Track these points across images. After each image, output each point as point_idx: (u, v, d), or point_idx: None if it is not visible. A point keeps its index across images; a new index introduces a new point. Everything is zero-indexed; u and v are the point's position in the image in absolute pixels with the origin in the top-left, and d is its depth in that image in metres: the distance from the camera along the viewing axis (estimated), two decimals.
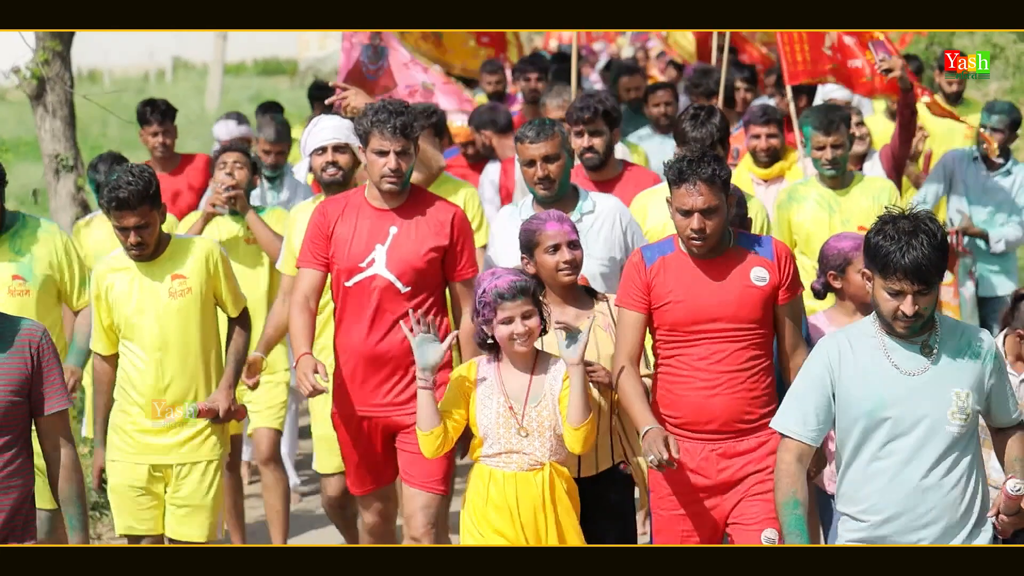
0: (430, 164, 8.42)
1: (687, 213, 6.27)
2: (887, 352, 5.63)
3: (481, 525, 6.41)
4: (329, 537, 9.06)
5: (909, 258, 5.41)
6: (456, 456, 7.07)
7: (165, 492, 7.43)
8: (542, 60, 14.19)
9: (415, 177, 7.75)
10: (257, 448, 8.97)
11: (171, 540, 7.43)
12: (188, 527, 7.40)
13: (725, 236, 6.39)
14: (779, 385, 6.46)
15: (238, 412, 7.51)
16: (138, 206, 7.12)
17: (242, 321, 7.59)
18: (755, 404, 6.36)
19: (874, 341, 5.65)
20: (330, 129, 8.29)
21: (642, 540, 7.92)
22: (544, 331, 6.43)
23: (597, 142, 8.36)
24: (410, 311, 6.73)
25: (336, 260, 7.19)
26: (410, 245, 7.09)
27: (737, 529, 6.40)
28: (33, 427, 5.93)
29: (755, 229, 7.69)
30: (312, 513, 9.86)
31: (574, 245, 6.71)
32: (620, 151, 9.38)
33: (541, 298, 6.49)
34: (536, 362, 6.44)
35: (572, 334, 6.31)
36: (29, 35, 11.08)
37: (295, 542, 9.22)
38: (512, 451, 6.37)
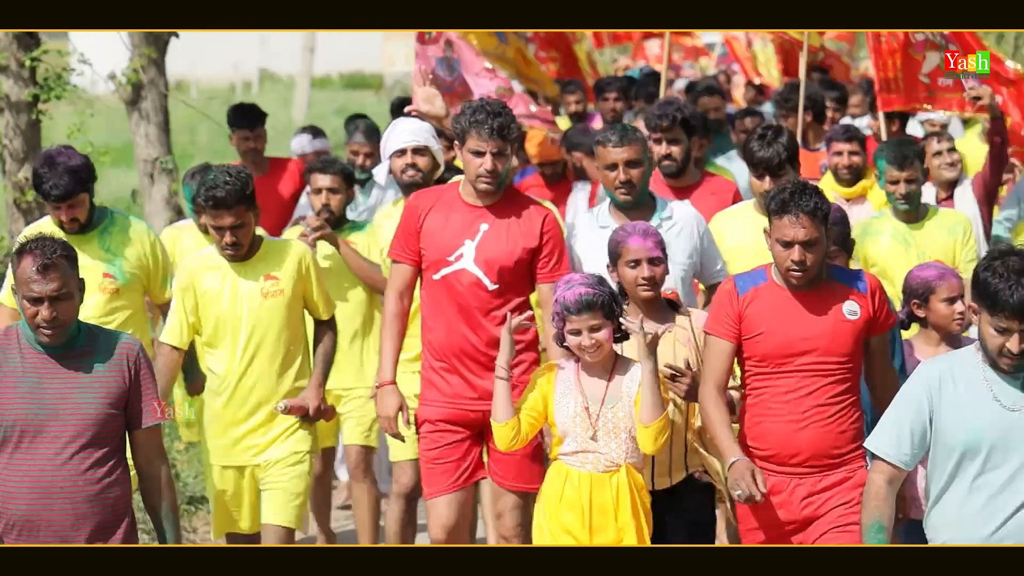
0: None
1: (788, 244, 6.24)
2: (989, 384, 5.60)
3: (552, 523, 6.46)
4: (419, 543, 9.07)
5: (1017, 297, 5.41)
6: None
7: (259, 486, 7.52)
8: (621, 80, 14.23)
9: None
10: (348, 461, 9.02)
11: (263, 525, 7.50)
12: (274, 511, 7.44)
13: (819, 270, 6.36)
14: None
15: (327, 412, 7.58)
16: (235, 205, 7.20)
17: (331, 324, 7.65)
18: (842, 439, 6.32)
19: (976, 372, 5.62)
20: (409, 132, 8.32)
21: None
22: (625, 337, 6.45)
23: (675, 150, 8.38)
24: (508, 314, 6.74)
25: (425, 252, 7.21)
26: (500, 243, 7.10)
27: None
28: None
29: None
30: None
31: (655, 262, 6.70)
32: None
33: (624, 305, 6.51)
34: (615, 365, 6.47)
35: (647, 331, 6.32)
36: (127, 40, 11.26)
37: None
38: (588, 451, 6.41)
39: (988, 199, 9.86)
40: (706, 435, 6.63)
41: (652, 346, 6.29)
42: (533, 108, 10.52)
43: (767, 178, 7.71)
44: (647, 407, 6.29)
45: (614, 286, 6.67)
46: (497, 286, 7.10)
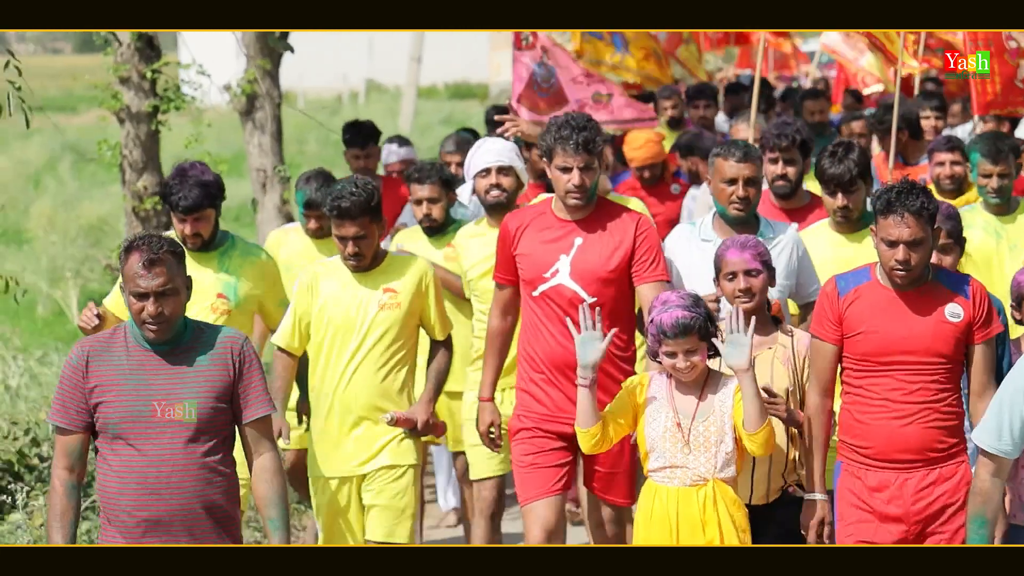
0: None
1: (893, 244, 6.26)
2: None
3: (643, 544, 6.48)
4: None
5: None
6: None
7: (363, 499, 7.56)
8: (711, 88, 14.25)
9: None
10: (456, 467, 9.05)
11: (368, 542, 7.53)
12: (382, 529, 7.50)
13: (924, 270, 6.37)
14: None
15: (436, 427, 7.62)
16: (359, 217, 7.32)
17: (447, 343, 7.70)
18: (947, 433, 6.34)
19: None
20: (494, 152, 8.27)
21: None
22: (718, 353, 6.46)
23: (791, 171, 8.32)
24: (580, 307, 6.71)
25: (521, 270, 7.24)
26: (595, 256, 7.11)
27: None
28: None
29: None
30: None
31: (752, 273, 6.72)
32: None
33: (716, 326, 6.48)
34: (707, 381, 6.49)
35: (734, 340, 6.35)
36: (244, 50, 11.48)
37: None
38: (676, 466, 6.42)
39: None
40: (802, 445, 6.67)
41: (748, 353, 6.31)
42: (631, 113, 10.46)
43: (839, 194, 7.72)
44: (751, 416, 6.30)
45: (718, 294, 6.74)
46: (596, 299, 7.06)
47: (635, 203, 8.82)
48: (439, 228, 8.79)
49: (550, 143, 7.12)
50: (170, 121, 11.05)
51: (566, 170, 7.09)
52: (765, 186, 8.27)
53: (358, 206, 7.32)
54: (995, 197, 8.64)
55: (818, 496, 6.50)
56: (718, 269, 6.83)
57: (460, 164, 9.99)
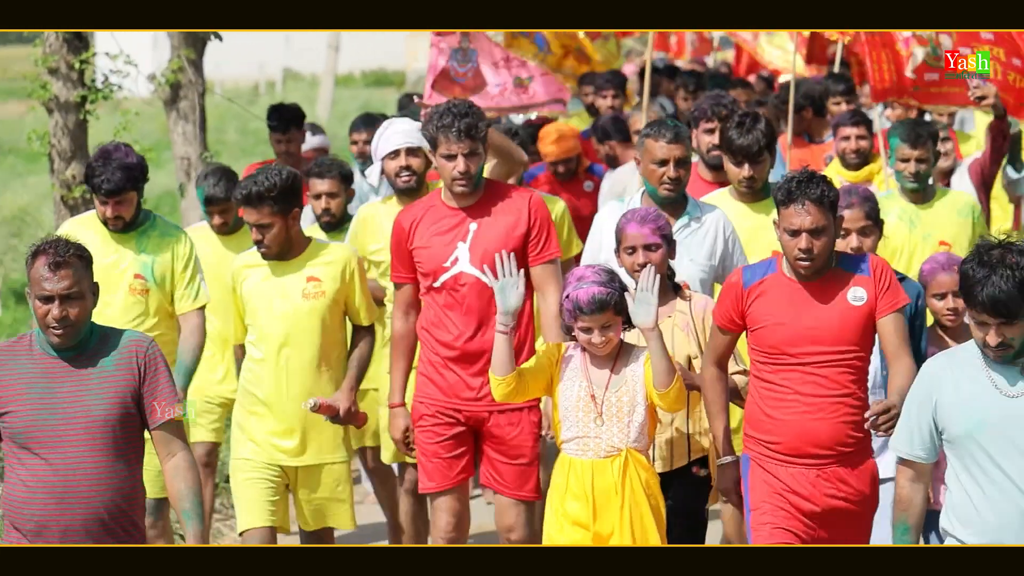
0: (511, 155, 8.22)
1: (795, 233, 6.28)
2: (988, 372, 5.62)
3: (559, 518, 6.56)
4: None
5: (986, 293, 5.46)
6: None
7: (288, 490, 7.58)
8: (619, 77, 14.50)
9: (498, 173, 7.91)
10: (363, 460, 9.14)
11: (307, 532, 7.65)
12: (318, 518, 7.59)
13: (827, 259, 6.37)
14: None
15: (358, 416, 7.58)
16: (257, 204, 7.33)
17: (370, 330, 7.68)
18: (855, 428, 6.34)
19: (977, 362, 5.64)
20: (402, 133, 8.19)
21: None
22: (631, 326, 6.55)
23: None
24: (497, 255, 6.78)
25: (420, 264, 7.26)
26: (492, 238, 7.12)
27: None
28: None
29: None
30: None
31: (651, 248, 6.84)
32: None
33: (629, 295, 6.53)
34: (620, 353, 6.57)
35: (641, 298, 6.42)
36: (166, 44, 11.60)
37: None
38: (588, 436, 6.51)
39: (985, 187, 10.00)
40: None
41: (655, 312, 6.42)
42: (544, 95, 10.43)
43: (746, 165, 7.83)
44: (660, 372, 6.39)
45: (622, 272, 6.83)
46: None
47: (559, 204, 8.88)
48: (337, 223, 8.78)
49: (432, 132, 7.14)
50: (96, 110, 11.11)
51: (450, 157, 7.11)
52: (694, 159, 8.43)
53: (257, 194, 7.33)
54: (912, 182, 8.67)
55: (728, 458, 6.62)
56: (618, 242, 6.94)
57: (367, 142, 9.93)
